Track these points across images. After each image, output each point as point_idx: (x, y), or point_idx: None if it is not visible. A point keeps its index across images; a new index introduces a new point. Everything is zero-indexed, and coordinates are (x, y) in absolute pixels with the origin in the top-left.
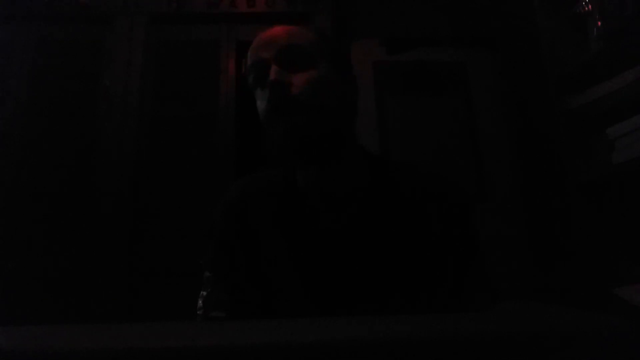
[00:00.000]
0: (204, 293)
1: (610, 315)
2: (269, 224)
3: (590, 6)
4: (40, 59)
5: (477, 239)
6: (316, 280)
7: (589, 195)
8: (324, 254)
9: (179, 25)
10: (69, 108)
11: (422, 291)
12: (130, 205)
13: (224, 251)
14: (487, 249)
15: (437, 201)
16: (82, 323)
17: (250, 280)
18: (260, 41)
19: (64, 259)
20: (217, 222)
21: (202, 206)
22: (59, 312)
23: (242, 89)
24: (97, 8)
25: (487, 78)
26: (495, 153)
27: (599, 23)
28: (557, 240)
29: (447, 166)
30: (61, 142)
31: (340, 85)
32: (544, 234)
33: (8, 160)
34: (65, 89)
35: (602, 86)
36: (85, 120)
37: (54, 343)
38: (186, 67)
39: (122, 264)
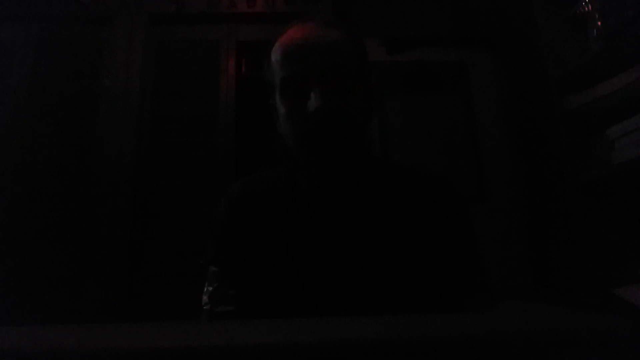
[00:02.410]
0: (210, 288)
1: (610, 315)
2: (271, 222)
3: (590, 6)
4: (40, 59)
5: (476, 239)
6: (317, 279)
7: (589, 195)
8: (325, 253)
9: (179, 25)
10: (69, 108)
11: (421, 291)
12: (130, 205)
13: (228, 246)
14: (487, 249)
15: (436, 202)
16: (82, 323)
17: (254, 276)
18: (298, 44)
19: (64, 259)
20: (220, 218)
21: (202, 206)
22: (59, 312)
23: (242, 89)
24: (97, 8)
25: (487, 78)
26: (495, 153)
27: (599, 23)
28: (557, 240)
29: (447, 166)
30: (61, 142)
31: (370, 109)
32: (544, 234)
33: (8, 160)
34: (65, 89)
35: (602, 86)
36: (85, 120)
37: (54, 343)
38: (186, 67)
39: (122, 264)
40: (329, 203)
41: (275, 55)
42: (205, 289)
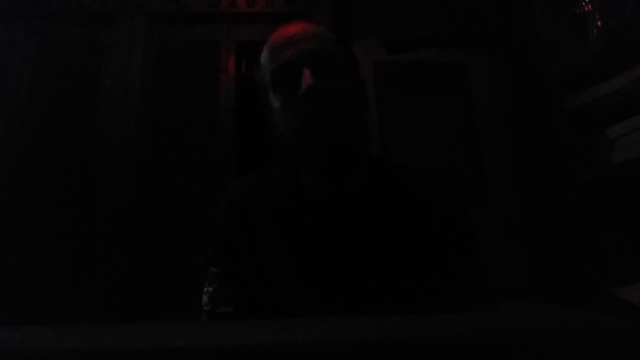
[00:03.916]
0: (210, 289)
1: (610, 315)
2: (272, 222)
3: (590, 6)
4: (40, 59)
5: (475, 239)
6: (317, 279)
7: (589, 195)
8: (325, 253)
9: (179, 25)
10: (69, 108)
11: (421, 291)
12: (130, 205)
13: (228, 247)
14: (487, 249)
15: (436, 202)
16: (82, 323)
17: (254, 276)
18: (283, 39)
19: (64, 259)
20: (220, 218)
21: (202, 206)
22: (59, 312)
23: (242, 89)
24: (97, 8)
25: (487, 78)
26: (495, 153)
27: (599, 23)
28: (556, 240)
29: (447, 166)
30: (61, 142)
31: (360, 92)
32: (544, 234)
33: (8, 160)
34: (65, 89)
35: (602, 86)
36: (85, 121)
37: (54, 343)
38: (186, 67)
39: (122, 264)
40: (329, 202)
41: (265, 54)
42: (205, 290)
